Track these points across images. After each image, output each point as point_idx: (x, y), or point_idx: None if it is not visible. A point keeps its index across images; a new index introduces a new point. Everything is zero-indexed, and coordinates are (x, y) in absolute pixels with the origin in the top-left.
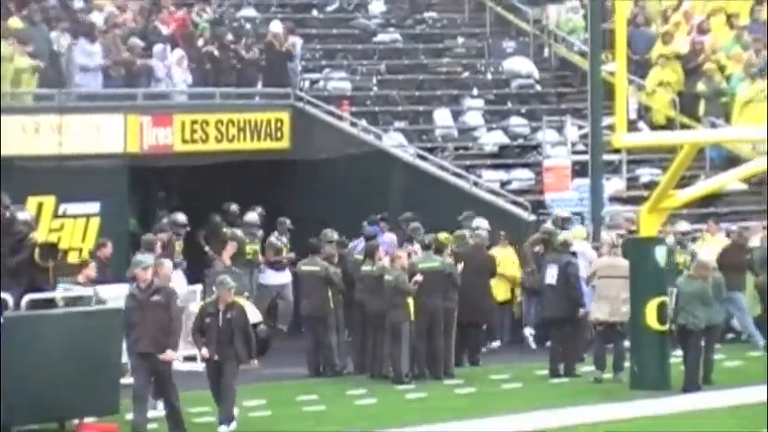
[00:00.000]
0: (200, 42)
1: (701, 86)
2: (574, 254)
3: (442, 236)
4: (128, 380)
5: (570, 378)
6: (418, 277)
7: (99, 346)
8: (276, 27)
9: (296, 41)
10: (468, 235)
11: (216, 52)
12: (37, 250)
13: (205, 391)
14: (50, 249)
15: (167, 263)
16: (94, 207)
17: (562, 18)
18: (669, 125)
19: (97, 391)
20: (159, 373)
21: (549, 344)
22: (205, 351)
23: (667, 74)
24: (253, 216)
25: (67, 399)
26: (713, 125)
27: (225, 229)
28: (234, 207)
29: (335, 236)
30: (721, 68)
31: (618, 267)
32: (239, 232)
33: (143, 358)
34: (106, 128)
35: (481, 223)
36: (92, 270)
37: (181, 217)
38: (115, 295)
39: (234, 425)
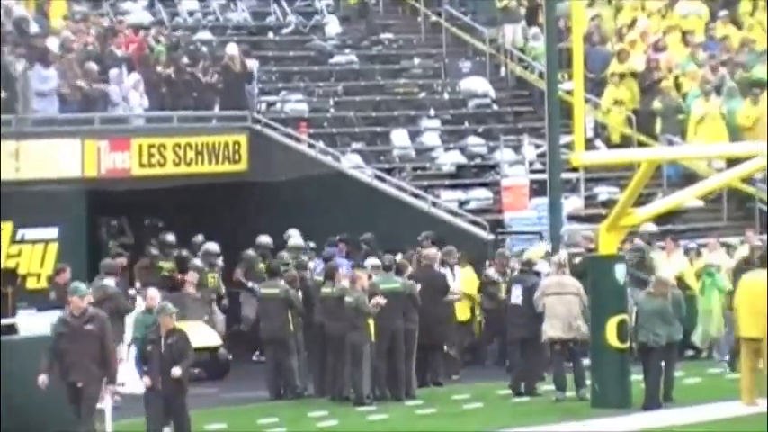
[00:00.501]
0: (157, 66)
1: (656, 104)
2: (537, 273)
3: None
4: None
5: (531, 397)
6: (380, 299)
7: None
8: (232, 49)
9: (252, 64)
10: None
11: (173, 76)
12: None
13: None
14: (9, 275)
15: (153, 292)
16: (53, 232)
17: (522, 43)
18: (624, 143)
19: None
20: (86, 401)
21: (508, 363)
22: (146, 379)
23: (622, 92)
24: (298, 240)
25: (40, 421)
26: (670, 142)
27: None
28: (266, 239)
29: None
30: (677, 86)
31: (565, 285)
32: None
33: (72, 387)
34: (63, 153)
35: (429, 252)
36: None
37: (213, 246)
38: None
39: None
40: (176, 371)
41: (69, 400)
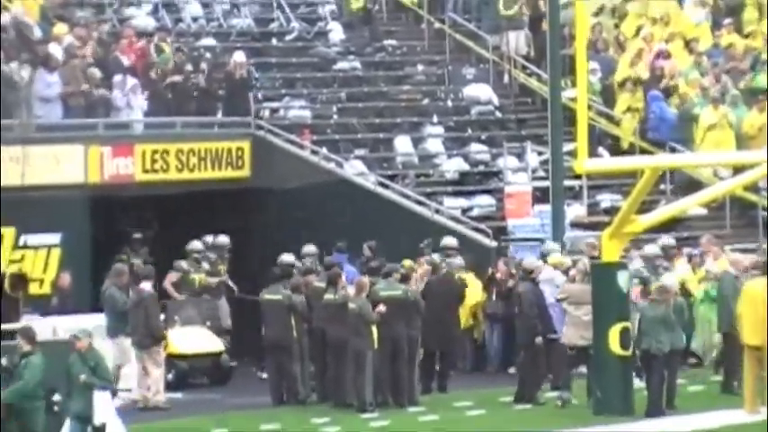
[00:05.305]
0: (161, 72)
1: (674, 109)
2: (535, 281)
3: (407, 263)
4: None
5: (534, 404)
6: (381, 308)
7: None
8: (240, 57)
9: (249, 70)
10: (440, 260)
11: (176, 82)
12: (7, 281)
13: None
14: (20, 280)
15: None
16: (55, 238)
17: (525, 50)
18: (628, 150)
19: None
20: None
21: (511, 370)
22: None
23: (636, 99)
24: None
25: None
26: (674, 150)
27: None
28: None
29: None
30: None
31: (588, 293)
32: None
33: None
34: (67, 158)
35: (449, 242)
36: None
37: (223, 239)
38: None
39: None
40: None
41: None
